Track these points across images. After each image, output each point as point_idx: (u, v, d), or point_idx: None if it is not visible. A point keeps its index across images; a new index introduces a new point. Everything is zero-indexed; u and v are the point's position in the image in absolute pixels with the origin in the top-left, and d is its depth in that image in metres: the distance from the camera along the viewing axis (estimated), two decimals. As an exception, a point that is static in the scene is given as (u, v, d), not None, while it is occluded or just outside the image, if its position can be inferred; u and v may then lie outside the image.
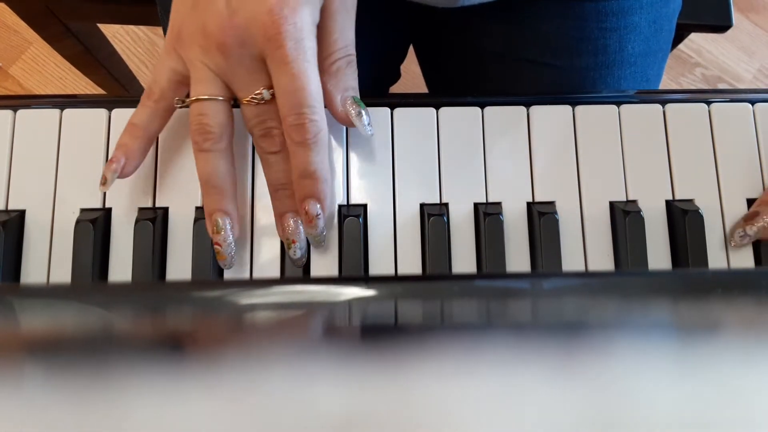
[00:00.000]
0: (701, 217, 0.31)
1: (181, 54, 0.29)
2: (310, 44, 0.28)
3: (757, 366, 0.15)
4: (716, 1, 0.59)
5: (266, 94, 0.28)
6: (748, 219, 0.31)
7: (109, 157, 0.30)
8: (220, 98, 0.29)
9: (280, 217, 0.30)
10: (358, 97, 0.30)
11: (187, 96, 0.29)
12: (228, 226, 0.29)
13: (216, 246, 0.29)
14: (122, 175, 0.30)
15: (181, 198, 0.31)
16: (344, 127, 0.32)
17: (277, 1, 0.27)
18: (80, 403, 0.14)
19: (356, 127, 0.30)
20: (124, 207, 0.31)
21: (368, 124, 0.30)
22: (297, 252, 0.30)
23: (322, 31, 0.30)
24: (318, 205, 0.29)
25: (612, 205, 0.32)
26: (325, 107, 0.29)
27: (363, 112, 0.30)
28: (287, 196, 0.29)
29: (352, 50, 0.31)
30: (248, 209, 0.31)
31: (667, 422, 0.13)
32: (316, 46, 0.28)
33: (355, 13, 0.31)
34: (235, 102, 0.30)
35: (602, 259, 0.32)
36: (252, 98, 0.28)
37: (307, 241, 0.30)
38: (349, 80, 0.30)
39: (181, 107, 0.30)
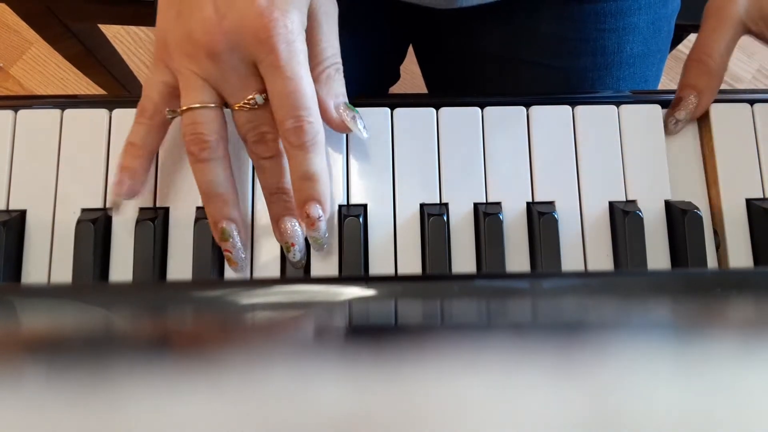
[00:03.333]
0: (700, 217, 0.31)
1: (169, 65, 0.29)
2: (301, 47, 0.28)
3: (757, 366, 0.15)
4: (716, 1, 0.59)
5: (259, 98, 0.28)
6: (675, 106, 0.33)
7: (115, 179, 0.30)
8: (212, 105, 0.28)
9: (276, 221, 0.30)
10: (348, 102, 0.30)
11: (179, 107, 0.29)
12: (235, 233, 0.29)
13: (226, 253, 0.29)
14: (130, 196, 0.30)
15: (182, 198, 0.31)
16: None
17: (267, 4, 0.26)
18: (81, 404, 0.14)
19: (353, 131, 0.30)
20: (124, 207, 0.31)
21: (363, 127, 0.30)
22: (296, 255, 0.30)
23: (309, 40, 0.29)
24: (319, 207, 0.28)
25: (611, 205, 0.32)
26: None
27: (357, 116, 0.30)
28: (283, 200, 0.29)
29: (339, 58, 0.31)
30: (248, 209, 0.31)
31: (667, 422, 0.13)
32: (305, 47, 0.28)
33: (338, 20, 0.31)
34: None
35: (602, 259, 0.32)
36: (244, 104, 0.28)
37: (306, 242, 0.30)
38: (339, 87, 0.30)
39: (172, 117, 0.29)
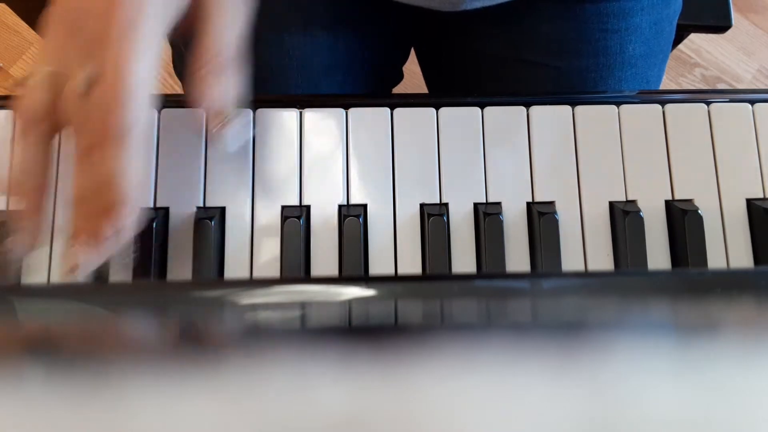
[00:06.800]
0: (700, 217, 0.31)
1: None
2: (148, 29, 0.25)
3: (757, 366, 0.15)
4: (716, 1, 0.59)
5: (82, 83, 0.25)
6: None
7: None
8: (52, 80, 0.26)
9: (74, 234, 0.25)
10: (230, 105, 0.28)
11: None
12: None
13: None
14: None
15: (181, 198, 0.31)
16: (343, 126, 0.32)
17: None
18: (81, 404, 0.14)
19: (220, 140, 0.28)
20: (124, 207, 0.31)
21: (234, 135, 0.28)
22: (77, 278, 0.25)
23: (197, 34, 0.27)
24: (117, 212, 0.25)
25: (611, 205, 0.32)
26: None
27: (230, 124, 0.28)
28: (87, 213, 0.25)
29: (230, 52, 0.28)
30: (249, 209, 0.31)
31: (667, 422, 0.13)
32: (159, 35, 0.26)
33: (243, 15, 0.28)
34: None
35: (602, 259, 0.32)
36: (74, 85, 0.25)
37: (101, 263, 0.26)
38: (219, 88, 0.27)
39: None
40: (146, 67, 0.25)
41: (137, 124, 0.25)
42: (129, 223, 0.25)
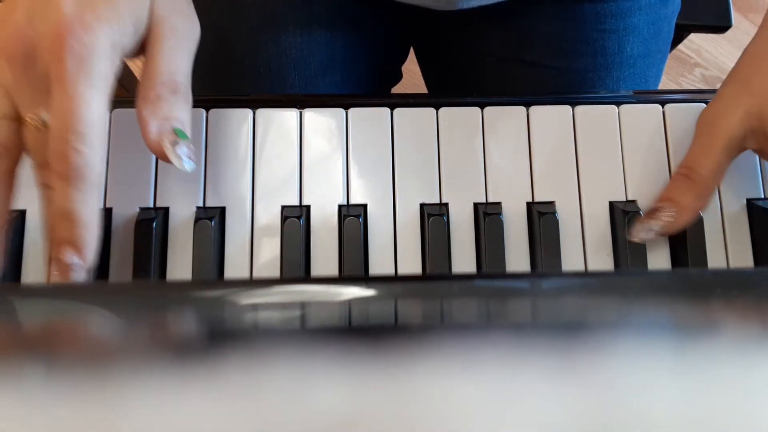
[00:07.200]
0: (700, 217, 0.31)
1: None
2: (100, 67, 0.25)
3: (757, 366, 0.15)
4: (716, 1, 0.59)
5: (45, 116, 0.25)
6: (650, 215, 0.30)
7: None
8: (6, 115, 0.26)
9: (50, 261, 0.26)
10: (182, 128, 0.27)
11: None
12: None
13: None
14: None
15: (182, 198, 0.31)
16: (343, 126, 0.32)
17: (71, 15, 0.24)
18: (80, 403, 0.14)
19: (171, 160, 0.27)
20: (124, 207, 0.31)
21: (187, 157, 0.27)
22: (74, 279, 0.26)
23: (146, 58, 0.28)
24: (74, 255, 0.25)
25: (611, 205, 0.32)
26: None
27: (181, 144, 0.27)
28: (55, 240, 0.26)
29: (181, 78, 0.27)
30: (249, 209, 0.31)
31: (666, 422, 0.13)
32: (111, 72, 0.26)
33: (194, 44, 0.29)
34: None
35: (602, 259, 0.32)
36: (31, 119, 0.25)
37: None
38: (171, 109, 0.27)
39: None
40: (98, 109, 0.25)
41: (90, 165, 0.25)
42: (90, 251, 0.26)
